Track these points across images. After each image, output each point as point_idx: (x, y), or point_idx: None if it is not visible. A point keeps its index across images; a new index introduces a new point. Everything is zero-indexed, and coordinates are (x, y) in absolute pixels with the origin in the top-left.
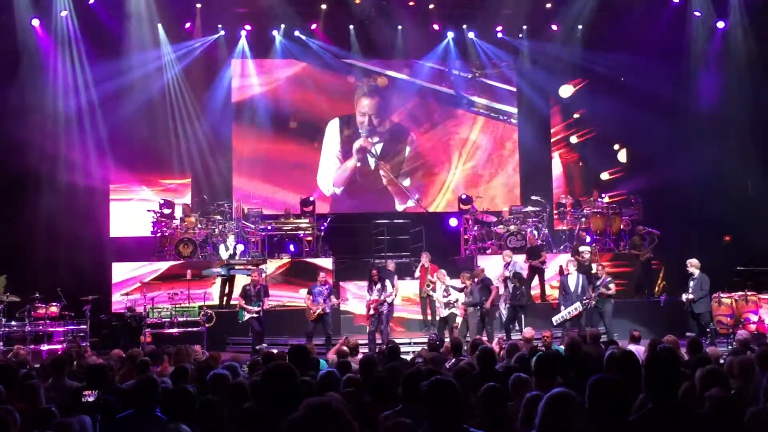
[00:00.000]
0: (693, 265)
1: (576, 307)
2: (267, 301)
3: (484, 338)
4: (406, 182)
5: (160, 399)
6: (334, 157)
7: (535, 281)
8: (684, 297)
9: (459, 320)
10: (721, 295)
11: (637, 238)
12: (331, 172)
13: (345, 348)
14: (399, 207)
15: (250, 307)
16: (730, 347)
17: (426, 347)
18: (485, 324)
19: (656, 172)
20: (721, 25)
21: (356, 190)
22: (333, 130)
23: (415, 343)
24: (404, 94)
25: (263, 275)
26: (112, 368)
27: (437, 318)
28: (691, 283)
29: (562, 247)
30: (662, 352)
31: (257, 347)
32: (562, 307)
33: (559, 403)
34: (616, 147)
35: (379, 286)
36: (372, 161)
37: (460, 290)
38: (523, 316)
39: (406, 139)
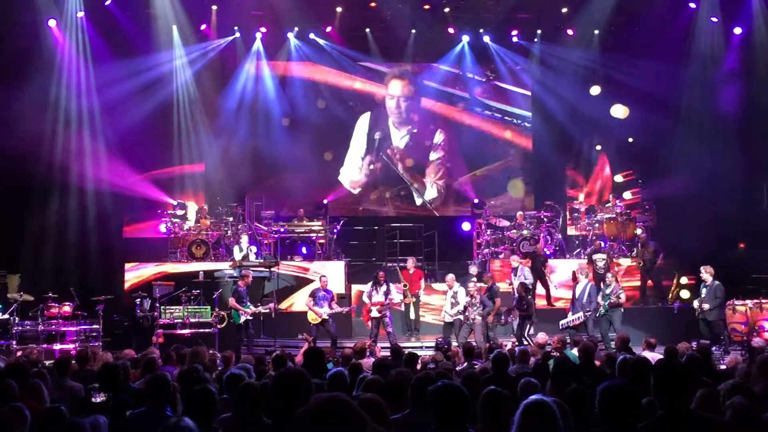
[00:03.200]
0: (707, 272)
1: (579, 316)
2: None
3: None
4: (428, 183)
5: (170, 397)
6: (359, 153)
7: (540, 290)
8: (695, 303)
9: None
10: (736, 302)
11: (639, 247)
12: (355, 168)
13: (348, 352)
14: (418, 201)
15: (244, 309)
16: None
17: (433, 352)
18: (488, 331)
19: (671, 178)
20: (738, 31)
21: (377, 190)
22: (362, 125)
23: (426, 347)
24: (418, 96)
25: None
26: (126, 368)
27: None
28: (704, 290)
29: (575, 252)
30: (671, 359)
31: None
32: (570, 313)
33: (535, 412)
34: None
35: (384, 288)
36: (395, 160)
37: (469, 302)
38: (530, 325)
39: (432, 134)
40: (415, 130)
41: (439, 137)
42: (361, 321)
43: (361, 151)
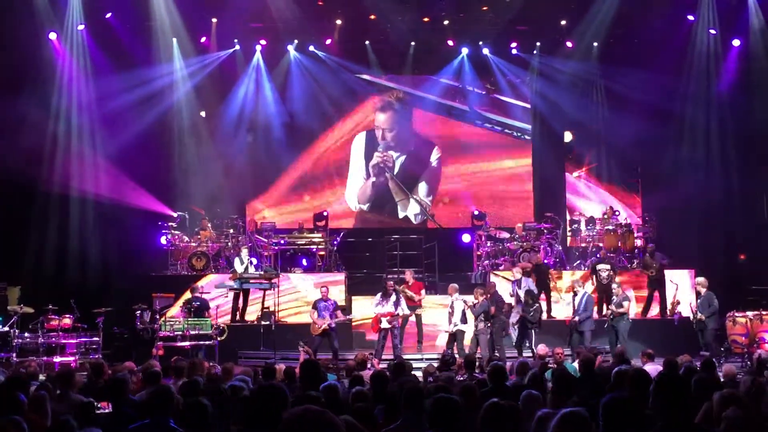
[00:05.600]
0: (700, 284)
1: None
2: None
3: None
4: (422, 195)
5: (174, 410)
6: (360, 173)
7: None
8: (698, 316)
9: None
10: (736, 314)
11: (647, 257)
12: (357, 188)
13: (352, 363)
14: (401, 213)
15: None
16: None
17: (433, 363)
18: (495, 341)
19: (671, 190)
20: (736, 43)
21: (378, 207)
22: (358, 145)
23: (426, 359)
24: (418, 110)
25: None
26: (128, 381)
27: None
28: (698, 301)
29: (576, 263)
30: (673, 371)
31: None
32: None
33: (573, 422)
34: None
35: (393, 298)
36: (388, 176)
37: (471, 307)
38: (533, 333)
39: (429, 151)
40: (412, 148)
41: (435, 155)
42: (361, 332)
43: (362, 172)
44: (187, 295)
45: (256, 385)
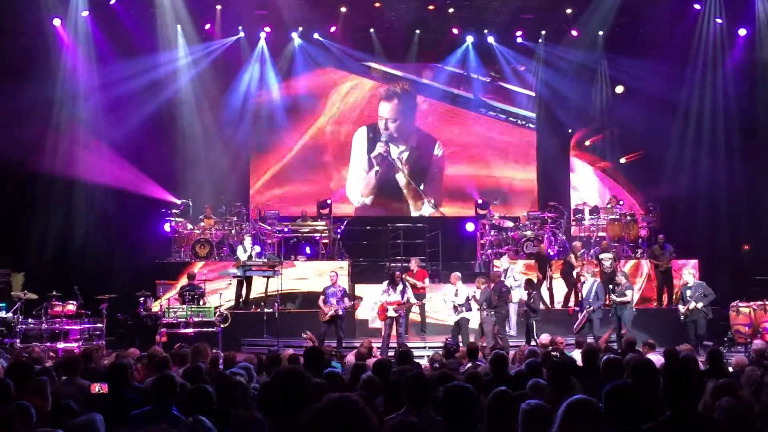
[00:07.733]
0: (690, 273)
1: (584, 314)
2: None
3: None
4: (427, 186)
5: (177, 396)
6: (361, 167)
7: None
8: (681, 308)
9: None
10: (740, 304)
11: (657, 248)
12: (359, 181)
13: (363, 350)
14: (414, 213)
15: None
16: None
17: (439, 352)
18: (499, 329)
19: (675, 180)
20: (743, 32)
21: (381, 198)
22: (360, 138)
23: (430, 348)
24: (423, 98)
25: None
26: (131, 367)
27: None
28: (688, 292)
29: (579, 253)
30: (681, 360)
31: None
32: (579, 314)
33: (580, 410)
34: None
35: (401, 287)
36: (396, 166)
37: (472, 297)
38: (534, 322)
39: (432, 145)
40: (415, 140)
41: (439, 145)
42: (364, 320)
43: (364, 165)
44: (184, 281)
45: (275, 372)
